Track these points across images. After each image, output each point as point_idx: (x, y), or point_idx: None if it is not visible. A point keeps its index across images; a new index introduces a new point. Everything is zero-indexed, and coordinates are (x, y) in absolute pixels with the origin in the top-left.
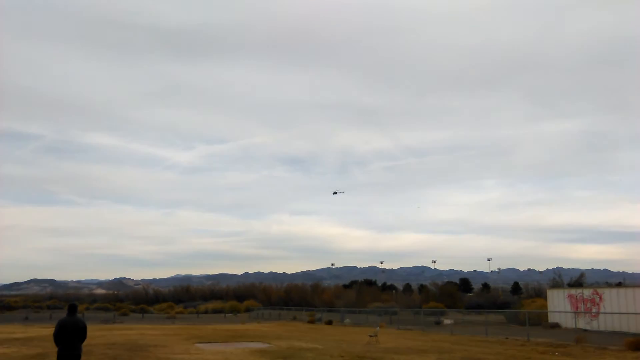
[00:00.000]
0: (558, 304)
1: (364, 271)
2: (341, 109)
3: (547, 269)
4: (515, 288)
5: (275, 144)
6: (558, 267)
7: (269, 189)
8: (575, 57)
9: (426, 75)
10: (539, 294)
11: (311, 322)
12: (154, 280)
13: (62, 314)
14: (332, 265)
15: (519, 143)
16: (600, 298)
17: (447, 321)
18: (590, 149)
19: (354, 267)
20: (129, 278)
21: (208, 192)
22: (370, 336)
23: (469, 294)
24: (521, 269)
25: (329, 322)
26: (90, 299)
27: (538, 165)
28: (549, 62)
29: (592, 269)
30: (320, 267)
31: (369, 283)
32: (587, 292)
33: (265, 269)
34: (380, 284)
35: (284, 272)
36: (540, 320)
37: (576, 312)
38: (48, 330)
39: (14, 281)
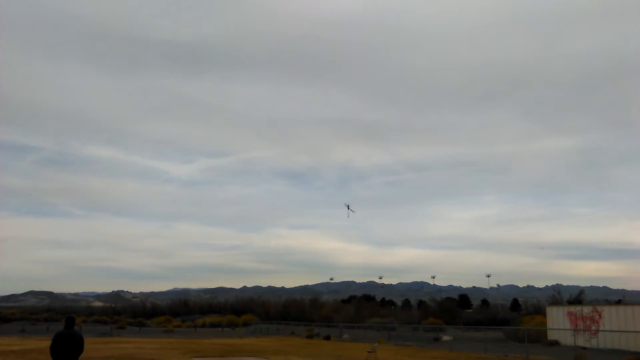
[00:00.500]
0: (557, 321)
1: (362, 286)
2: (341, 123)
3: (547, 286)
4: (515, 305)
5: (275, 158)
6: (557, 283)
7: (268, 203)
8: (574, 74)
9: (426, 91)
10: (538, 310)
11: (309, 337)
12: (152, 293)
13: (60, 327)
14: (331, 280)
15: (518, 159)
16: (600, 316)
17: (445, 337)
18: (589, 165)
19: (353, 282)
20: (127, 291)
21: (207, 205)
22: (369, 352)
23: (467, 310)
24: (520, 286)
25: (327, 338)
26: (88, 312)
27: (537, 181)
28: (547, 79)
29: (592, 286)
30: (319, 282)
31: (368, 298)
32: (586, 310)
33: (264, 283)
34: (379, 299)
35: (282, 287)
36: (539, 338)
37: (575, 330)
38: (45, 343)
39: (12, 293)
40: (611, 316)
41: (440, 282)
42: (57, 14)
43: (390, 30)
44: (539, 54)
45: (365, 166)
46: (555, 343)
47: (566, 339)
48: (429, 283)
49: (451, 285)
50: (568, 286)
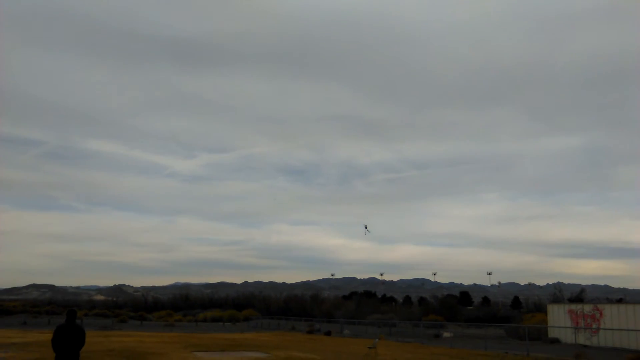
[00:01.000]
0: (558, 319)
1: (363, 282)
2: (343, 120)
3: (548, 284)
4: (515, 302)
5: (277, 154)
6: (558, 282)
7: (270, 199)
8: (576, 74)
9: (428, 89)
10: (539, 308)
11: (310, 332)
12: (153, 287)
13: (61, 320)
14: (332, 276)
15: (520, 158)
16: (601, 314)
17: (446, 334)
18: (591, 164)
19: (354, 278)
20: (129, 285)
21: (209, 200)
22: (369, 348)
23: (468, 308)
24: (521, 283)
25: (328, 333)
26: (89, 305)
27: (539, 180)
28: (550, 78)
29: (593, 284)
30: (320, 278)
31: (369, 294)
32: (587, 308)
33: (265, 278)
34: (380, 296)
35: (283, 282)
36: (540, 335)
37: (576, 328)
38: (46, 336)
39: (13, 286)
40: (612, 314)
41: (442, 279)
42: (59, 9)
43: (393, 28)
44: (542, 53)
45: (367, 163)
46: (556, 341)
47: (567, 337)
48: (430, 280)
49: (452, 283)
50: (569, 284)
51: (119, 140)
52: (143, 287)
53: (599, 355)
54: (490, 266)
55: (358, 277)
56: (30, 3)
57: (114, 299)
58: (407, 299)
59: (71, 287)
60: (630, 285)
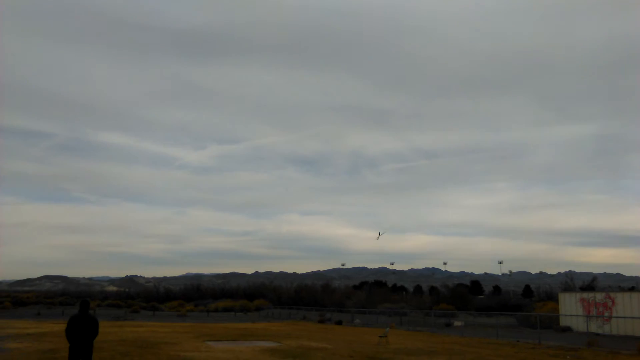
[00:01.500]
0: (570, 307)
1: (374, 272)
2: (352, 110)
3: (559, 273)
4: (527, 291)
5: (287, 144)
6: (570, 270)
7: (280, 189)
8: (586, 61)
9: (437, 78)
10: (551, 297)
11: (321, 321)
12: (165, 278)
13: (74, 310)
14: (343, 265)
15: (530, 146)
16: (613, 302)
17: (457, 323)
18: (601, 152)
19: (364, 268)
20: (140, 276)
21: (219, 191)
22: (380, 337)
23: (479, 297)
24: (533, 272)
25: (339, 322)
26: (102, 296)
27: (550, 168)
28: (560, 66)
29: (605, 272)
30: (331, 268)
31: (380, 284)
32: (599, 296)
33: (276, 268)
34: (390, 285)
35: (294, 272)
36: (551, 324)
37: (588, 316)
38: (60, 326)
39: (27, 277)
40: (624, 302)
41: (452, 268)
42: (69, 1)
43: (402, 18)
44: (551, 41)
45: (376, 153)
46: (568, 329)
47: (578, 325)
48: (440, 269)
49: (463, 272)
50: (581, 273)
51: (128, 132)
52: (155, 278)
53: (611, 343)
54: (501, 255)
55: (368, 267)
56: None
57: (126, 289)
58: (418, 289)
59: (84, 278)
60: None
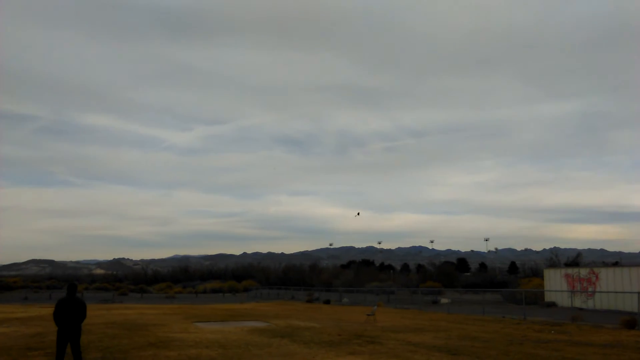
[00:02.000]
0: (555, 283)
1: (361, 251)
2: (339, 89)
3: (544, 249)
4: (512, 267)
5: (273, 125)
6: (555, 247)
7: (267, 169)
8: (572, 39)
9: (425, 56)
10: (536, 273)
11: (309, 301)
12: (153, 260)
13: (61, 294)
14: (330, 245)
15: (516, 124)
16: (597, 277)
17: (444, 300)
18: (587, 129)
19: (352, 248)
20: (128, 258)
21: (206, 173)
22: (368, 315)
23: (466, 274)
24: (518, 249)
25: (327, 302)
26: (89, 279)
27: (536, 146)
28: (546, 43)
29: (589, 248)
30: (319, 248)
31: (367, 263)
32: (583, 272)
33: (264, 249)
34: (378, 264)
35: (282, 253)
36: (536, 300)
37: (572, 291)
38: (47, 310)
39: (13, 262)
40: (608, 278)
41: (439, 246)
42: None
43: None
44: (538, 18)
45: (364, 132)
46: (553, 304)
47: (563, 300)
48: (427, 247)
49: (450, 250)
50: (565, 249)
51: (114, 115)
52: (142, 260)
53: (595, 317)
54: (487, 232)
55: (356, 246)
56: None
57: (114, 272)
58: (405, 267)
59: (71, 262)
60: (626, 249)
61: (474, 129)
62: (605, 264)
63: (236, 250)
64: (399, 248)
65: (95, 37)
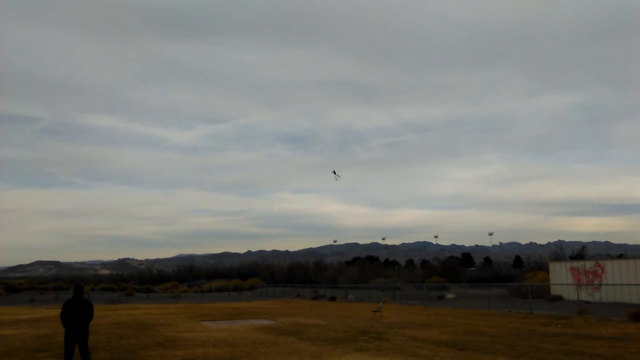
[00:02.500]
0: (560, 276)
1: (366, 247)
2: (339, 86)
3: (549, 242)
4: (517, 262)
5: (275, 122)
6: (559, 240)
7: (269, 167)
8: (572, 31)
9: (424, 51)
10: (541, 267)
11: (315, 298)
12: (158, 260)
13: (68, 295)
14: (335, 242)
15: (517, 117)
16: (602, 270)
17: (449, 295)
18: (588, 122)
19: (356, 244)
20: (133, 258)
21: (208, 171)
22: (374, 311)
23: (471, 269)
24: (523, 243)
25: (333, 299)
26: (95, 280)
27: (537, 139)
28: (547, 36)
29: (594, 241)
30: (323, 245)
31: (372, 259)
32: (589, 265)
33: (268, 247)
34: (382, 260)
35: (286, 250)
36: (542, 293)
37: (578, 285)
38: (54, 311)
39: (19, 263)
40: (614, 270)
41: (443, 241)
42: None
43: None
44: (538, 11)
45: (365, 128)
46: (559, 298)
47: (569, 293)
48: (432, 243)
49: (454, 245)
50: (570, 242)
51: (115, 115)
52: (147, 260)
53: (601, 310)
54: (491, 227)
55: (360, 243)
56: None
57: (120, 272)
58: (410, 262)
59: (76, 263)
60: (631, 241)
61: (475, 123)
62: (611, 257)
63: (241, 248)
64: (403, 244)
65: (95, 37)
